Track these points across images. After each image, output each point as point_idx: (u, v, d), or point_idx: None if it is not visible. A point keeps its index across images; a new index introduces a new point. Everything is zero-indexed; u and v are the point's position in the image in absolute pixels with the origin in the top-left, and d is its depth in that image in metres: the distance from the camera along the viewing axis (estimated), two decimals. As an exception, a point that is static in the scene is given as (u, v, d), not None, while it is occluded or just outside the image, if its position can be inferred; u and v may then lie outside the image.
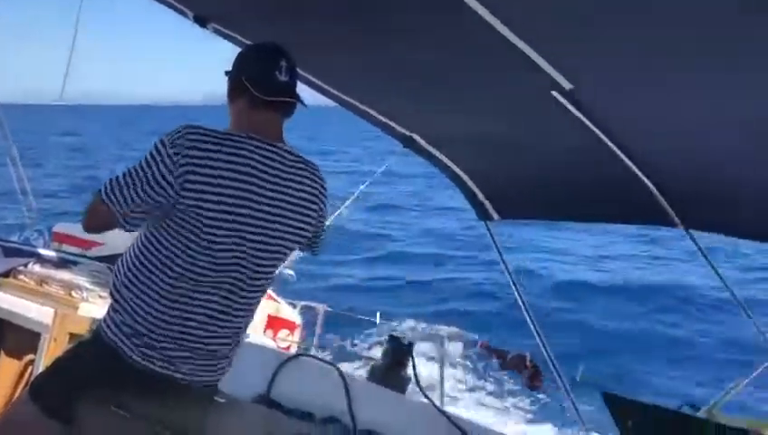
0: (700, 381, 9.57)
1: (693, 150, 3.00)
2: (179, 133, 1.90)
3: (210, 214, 1.89)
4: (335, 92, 3.59)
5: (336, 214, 7.88)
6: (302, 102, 2.04)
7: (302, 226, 2.07)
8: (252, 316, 2.13)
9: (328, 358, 3.99)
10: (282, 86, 2.00)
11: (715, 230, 3.63)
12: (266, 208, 1.96)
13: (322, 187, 2.13)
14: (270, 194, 1.97)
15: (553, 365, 4.09)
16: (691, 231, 3.67)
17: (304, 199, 2.06)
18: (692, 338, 12.38)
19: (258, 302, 2.14)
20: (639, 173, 3.35)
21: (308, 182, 2.07)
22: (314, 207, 2.09)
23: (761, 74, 2.22)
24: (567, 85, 2.68)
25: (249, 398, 3.02)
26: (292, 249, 2.10)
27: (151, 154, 1.90)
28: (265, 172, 1.96)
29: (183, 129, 1.92)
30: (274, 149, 1.99)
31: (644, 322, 13.24)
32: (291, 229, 2.04)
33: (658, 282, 15.92)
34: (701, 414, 3.11)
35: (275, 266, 2.10)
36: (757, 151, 2.78)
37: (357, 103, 3.69)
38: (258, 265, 2.01)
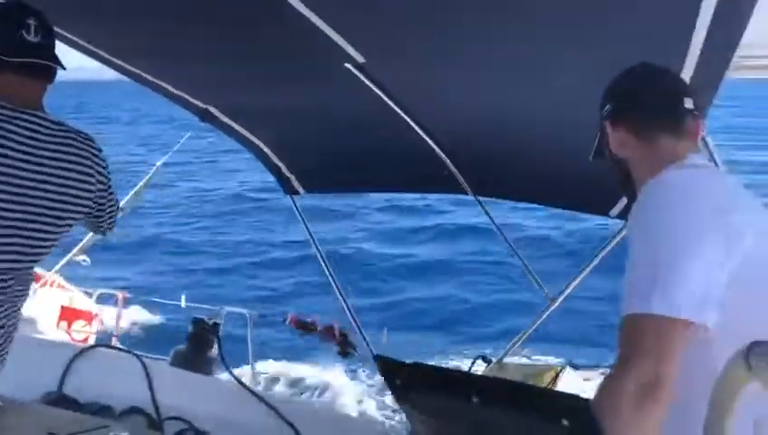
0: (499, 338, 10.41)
1: (476, 121, 3.20)
2: None
3: None
4: (120, 63, 3.35)
5: (133, 192, 7.51)
6: (60, 65, 1.85)
7: (73, 199, 1.90)
8: (23, 298, 1.92)
9: (129, 347, 3.76)
10: (31, 47, 1.80)
11: (500, 196, 3.95)
12: (22, 182, 1.78)
13: (96, 156, 1.95)
14: (25, 166, 1.79)
15: (361, 333, 4.21)
16: (479, 197, 3.94)
17: (74, 171, 1.89)
18: (486, 300, 13.34)
19: (28, 285, 1.94)
20: (432, 144, 3.52)
21: (76, 152, 1.90)
22: (91, 179, 1.93)
23: (533, 48, 2.42)
24: (360, 59, 2.73)
25: (36, 397, 2.78)
26: (65, 225, 1.92)
27: None
28: (17, 142, 1.78)
29: None
30: (30, 118, 1.81)
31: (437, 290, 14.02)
32: (59, 204, 1.87)
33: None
34: (492, 366, 3.39)
35: (46, 247, 1.90)
36: (534, 122, 3.03)
37: (146, 75, 3.47)
38: (22, 245, 1.82)
